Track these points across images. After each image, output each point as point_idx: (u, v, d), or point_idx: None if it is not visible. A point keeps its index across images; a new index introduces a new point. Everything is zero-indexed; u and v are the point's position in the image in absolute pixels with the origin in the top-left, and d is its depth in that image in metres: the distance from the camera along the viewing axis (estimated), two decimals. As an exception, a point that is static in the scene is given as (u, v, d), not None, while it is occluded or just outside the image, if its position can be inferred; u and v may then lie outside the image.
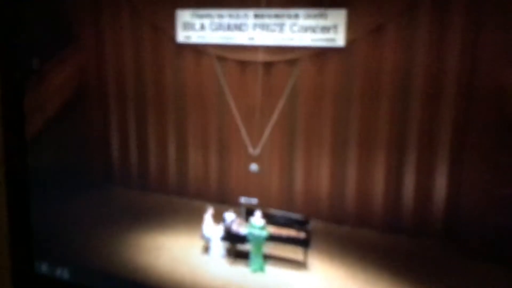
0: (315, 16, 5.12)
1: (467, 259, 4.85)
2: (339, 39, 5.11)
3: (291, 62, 5.42)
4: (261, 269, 4.99)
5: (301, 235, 5.07)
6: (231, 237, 5.17)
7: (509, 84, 4.59)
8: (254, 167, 5.55)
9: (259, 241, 5.03)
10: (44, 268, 5.35)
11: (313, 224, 5.15)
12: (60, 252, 5.40)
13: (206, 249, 5.29)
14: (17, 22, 5.55)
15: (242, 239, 5.11)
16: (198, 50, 5.78)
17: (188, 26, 5.65)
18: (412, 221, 5.25)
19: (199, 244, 5.33)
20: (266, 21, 5.30)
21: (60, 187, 5.92)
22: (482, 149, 4.85)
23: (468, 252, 4.89)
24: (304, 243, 5.03)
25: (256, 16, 5.33)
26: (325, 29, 5.13)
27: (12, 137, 5.48)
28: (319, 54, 5.31)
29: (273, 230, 5.10)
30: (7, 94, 5.42)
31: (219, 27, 5.49)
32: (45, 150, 5.95)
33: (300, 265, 5.01)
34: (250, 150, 5.65)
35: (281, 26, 5.26)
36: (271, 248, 5.10)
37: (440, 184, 5.12)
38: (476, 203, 4.95)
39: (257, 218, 5.06)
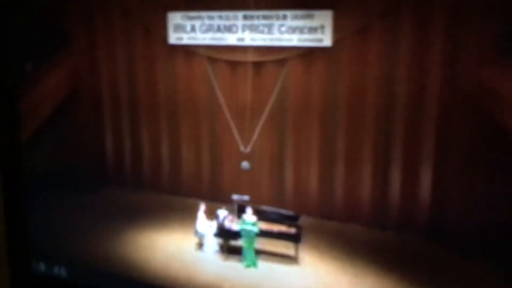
0: (302, 17, 5.25)
1: (451, 254, 4.98)
2: (326, 39, 5.22)
3: (280, 62, 5.54)
4: (254, 264, 5.11)
5: (292, 230, 5.20)
6: (224, 234, 5.28)
7: (489, 84, 4.72)
8: (245, 165, 5.67)
9: (251, 237, 5.14)
10: (41, 267, 5.43)
11: (303, 219, 5.26)
12: (57, 251, 5.47)
13: (200, 245, 5.40)
14: (9, 25, 5.61)
15: (235, 235, 5.22)
16: (190, 51, 5.88)
17: (179, 28, 5.76)
18: (398, 218, 5.38)
19: (192, 241, 5.44)
20: (255, 22, 5.42)
21: (55, 188, 6.00)
22: (466, 147, 4.96)
23: (452, 248, 5.02)
24: (295, 238, 5.15)
25: (245, 17, 5.44)
26: (312, 29, 5.25)
27: (7, 140, 5.55)
28: (307, 54, 5.43)
29: (264, 226, 5.22)
30: (0, 98, 5.49)
31: (209, 28, 5.60)
32: (40, 152, 6.03)
33: (291, 259, 5.13)
34: (242, 148, 5.77)
35: (270, 27, 5.38)
36: (263, 244, 5.22)
37: (425, 182, 5.23)
38: (460, 200, 5.06)
39: (249, 215, 5.17)
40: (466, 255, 4.86)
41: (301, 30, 5.29)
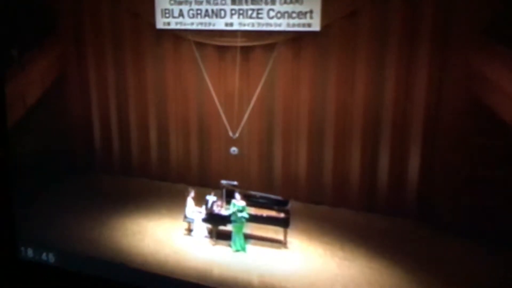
0: (291, 2, 5.22)
1: (439, 236, 5.04)
2: (314, 24, 5.21)
3: (269, 47, 5.52)
4: (243, 248, 5.10)
5: (281, 215, 5.18)
6: (213, 219, 5.26)
7: (478, 70, 4.74)
8: (234, 150, 5.66)
9: (241, 222, 5.12)
10: (29, 253, 5.38)
11: (292, 204, 5.25)
12: (45, 237, 5.42)
13: (189, 231, 5.39)
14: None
15: (224, 220, 5.20)
16: (178, 36, 5.84)
17: (167, 13, 5.70)
18: (387, 201, 5.43)
19: (182, 226, 5.42)
20: (244, 6, 5.38)
21: (43, 174, 5.96)
22: (453, 131, 5.01)
23: (440, 229, 5.08)
24: (283, 223, 5.14)
25: (233, 1, 5.41)
26: (301, 14, 5.23)
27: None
28: (296, 38, 5.43)
29: (253, 211, 5.21)
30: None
31: (197, 13, 5.56)
32: (27, 138, 5.96)
33: (280, 244, 5.13)
34: (230, 134, 5.76)
35: (259, 11, 5.35)
36: (252, 229, 5.22)
37: (414, 165, 5.28)
38: (447, 183, 5.12)
39: (238, 200, 5.15)
40: (454, 236, 4.91)
41: (289, 15, 5.27)
